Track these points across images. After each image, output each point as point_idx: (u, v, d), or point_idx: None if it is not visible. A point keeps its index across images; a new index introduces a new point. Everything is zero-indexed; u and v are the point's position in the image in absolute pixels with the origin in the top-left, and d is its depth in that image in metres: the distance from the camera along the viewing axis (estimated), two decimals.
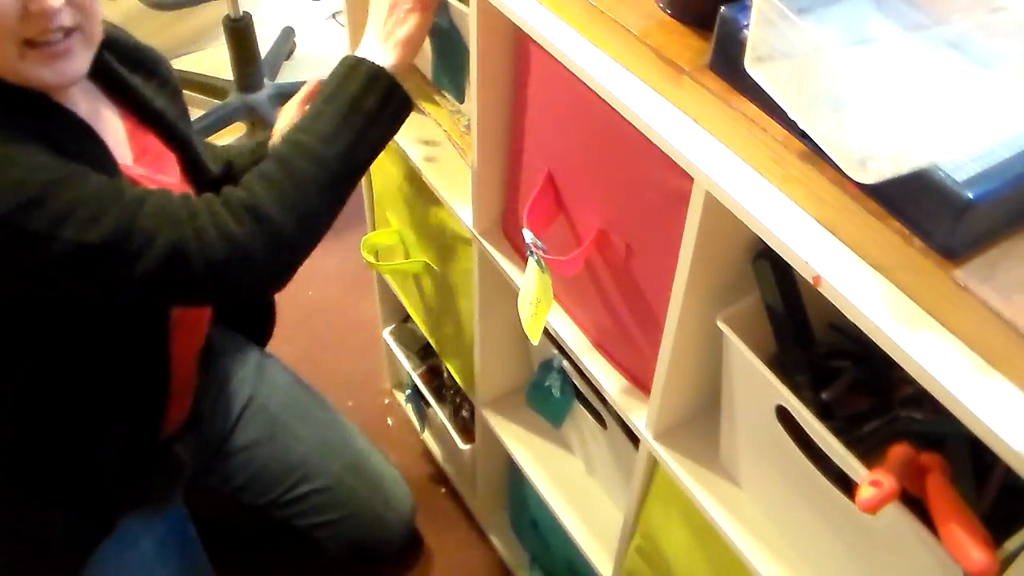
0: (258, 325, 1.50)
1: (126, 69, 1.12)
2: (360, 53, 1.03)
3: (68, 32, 0.93)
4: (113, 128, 1.09)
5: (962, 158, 0.60)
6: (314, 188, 0.98)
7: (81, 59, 0.97)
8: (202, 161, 1.19)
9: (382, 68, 1.01)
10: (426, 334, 1.61)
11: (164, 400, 1.19)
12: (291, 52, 2.89)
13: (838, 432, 0.74)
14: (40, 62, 0.93)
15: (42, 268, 0.92)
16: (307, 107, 1.03)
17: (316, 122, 0.99)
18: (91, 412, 1.14)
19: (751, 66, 0.68)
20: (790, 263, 0.68)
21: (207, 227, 0.94)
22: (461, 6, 1.04)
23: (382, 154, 1.42)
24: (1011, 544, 0.66)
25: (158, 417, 1.20)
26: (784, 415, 0.81)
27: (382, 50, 1.02)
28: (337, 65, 1.03)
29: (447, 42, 1.11)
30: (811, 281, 0.66)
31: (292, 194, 0.97)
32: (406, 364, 1.73)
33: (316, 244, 1.01)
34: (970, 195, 0.58)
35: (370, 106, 1.00)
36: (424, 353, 1.75)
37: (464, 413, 1.64)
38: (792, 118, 0.67)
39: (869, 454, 0.72)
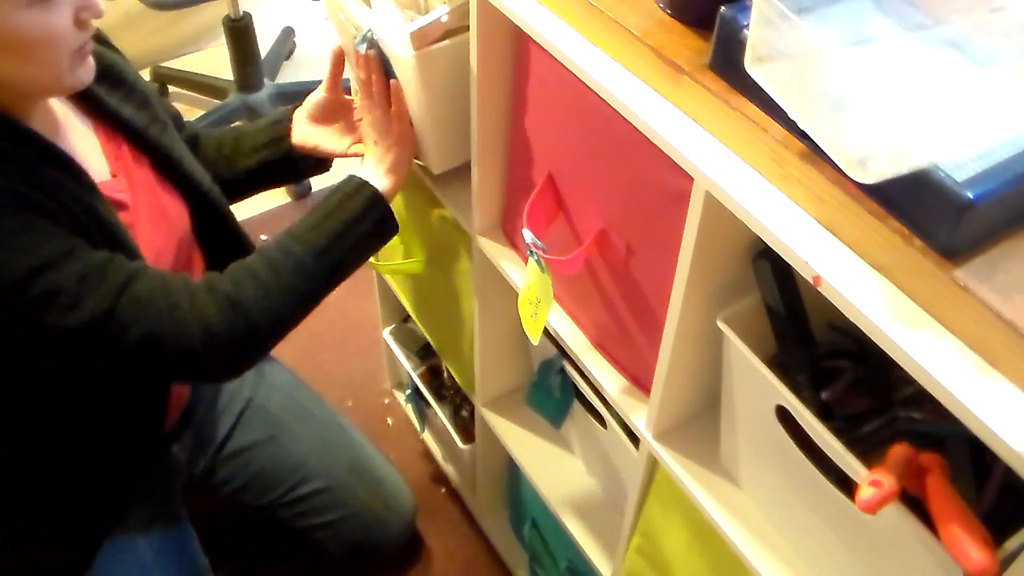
0: None
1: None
2: (362, 175, 1.13)
3: None
4: (86, 140, 1.09)
5: (962, 158, 0.60)
6: (296, 297, 1.06)
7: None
8: (183, 167, 1.18)
9: (380, 195, 1.12)
10: (426, 334, 1.61)
11: (165, 400, 1.19)
12: (291, 52, 2.89)
13: (838, 432, 0.74)
14: (79, 65, 0.96)
15: (20, 341, 0.96)
16: (307, 214, 1.11)
17: (312, 234, 1.08)
18: (91, 416, 1.14)
19: (751, 66, 0.68)
20: (790, 263, 0.68)
21: (187, 320, 0.99)
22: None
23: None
24: (1011, 544, 0.66)
25: (160, 416, 1.20)
26: (784, 415, 0.81)
27: (377, 175, 1.13)
28: (343, 181, 1.13)
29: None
30: (811, 281, 0.66)
31: (276, 299, 1.04)
32: (406, 364, 1.73)
33: (281, 339, 1.09)
34: (970, 195, 0.58)
35: (363, 230, 1.10)
36: (424, 353, 1.75)
37: (464, 413, 1.64)
38: (792, 118, 0.67)
39: (869, 454, 0.72)
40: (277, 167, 1.28)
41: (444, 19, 1.02)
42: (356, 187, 1.11)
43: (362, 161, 1.18)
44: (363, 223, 1.10)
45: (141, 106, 1.15)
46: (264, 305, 1.03)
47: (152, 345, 0.98)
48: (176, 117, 1.27)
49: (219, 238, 1.25)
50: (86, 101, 1.10)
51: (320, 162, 1.28)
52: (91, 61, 0.98)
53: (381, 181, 1.13)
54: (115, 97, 1.12)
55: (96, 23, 1.17)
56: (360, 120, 1.24)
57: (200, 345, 0.99)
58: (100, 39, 1.14)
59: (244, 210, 2.40)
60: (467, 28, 1.01)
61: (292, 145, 1.25)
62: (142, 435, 1.21)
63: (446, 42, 1.05)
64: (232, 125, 1.34)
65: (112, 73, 1.12)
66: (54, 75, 0.94)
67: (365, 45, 1.10)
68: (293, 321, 1.08)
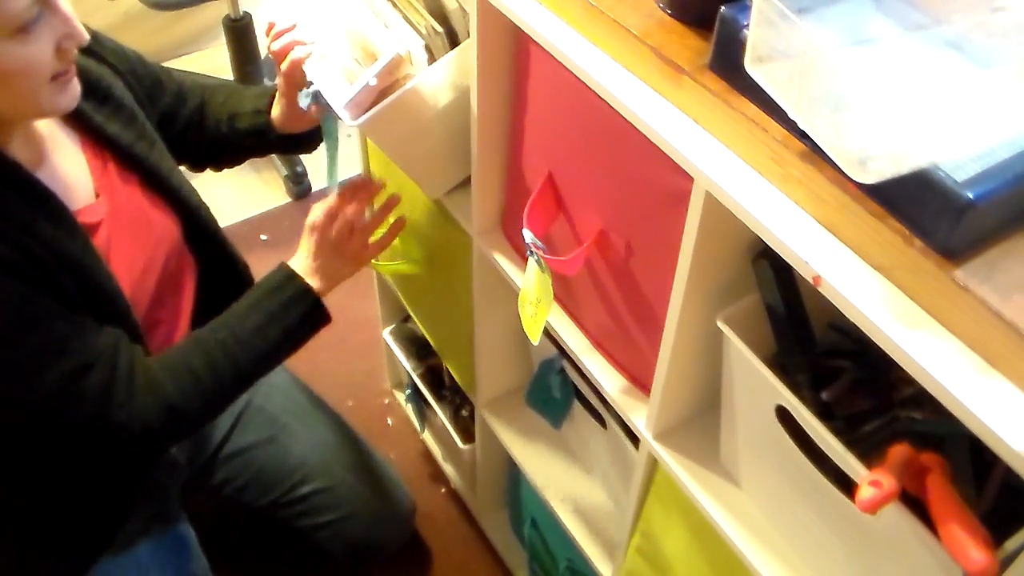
0: None
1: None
2: (305, 276, 1.15)
3: None
4: (71, 158, 1.08)
5: (962, 158, 0.60)
6: (232, 394, 1.14)
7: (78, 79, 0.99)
8: (170, 183, 1.18)
9: (320, 303, 1.15)
10: (426, 334, 1.61)
11: None
12: None
13: (838, 432, 0.74)
14: (59, 91, 0.95)
15: None
16: (251, 307, 1.13)
17: (255, 339, 1.11)
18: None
19: (751, 66, 0.68)
20: (790, 263, 0.68)
21: (127, 422, 1.03)
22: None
23: (381, 154, 1.43)
24: (1011, 544, 0.66)
25: None
26: (784, 415, 0.81)
27: (322, 278, 1.16)
28: (285, 282, 1.14)
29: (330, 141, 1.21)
30: (811, 281, 0.66)
31: (214, 401, 1.12)
32: (406, 364, 1.73)
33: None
34: (970, 195, 0.58)
35: (302, 335, 1.16)
36: (424, 353, 1.75)
37: (464, 413, 1.64)
38: (792, 118, 0.67)
39: (869, 454, 0.72)
40: (262, 136, 1.27)
41: (372, 83, 1.02)
42: (300, 293, 1.14)
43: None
44: (302, 329, 1.16)
45: (128, 123, 1.14)
46: (202, 408, 1.10)
47: (87, 432, 1.03)
48: (180, 90, 1.26)
49: (210, 251, 1.26)
50: (73, 117, 1.09)
51: (304, 143, 1.28)
52: (74, 87, 0.98)
53: (319, 284, 1.16)
54: (102, 114, 1.11)
55: (95, 24, 1.18)
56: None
57: (137, 440, 1.06)
58: (90, 51, 1.13)
59: (244, 210, 2.42)
60: (401, 81, 1.04)
61: (271, 120, 1.24)
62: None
63: (385, 102, 1.04)
64: (226, 85, 1.34)
65: (100, 89, 1.11)
66: (32, 103, 0.94)
67: (309, 100, 1.11)
68: (226, 405, 1.16)
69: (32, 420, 1.03)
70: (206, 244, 1.25)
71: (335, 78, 1.10)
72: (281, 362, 1.17)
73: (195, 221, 1.22)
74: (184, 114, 1.26)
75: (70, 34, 0.92)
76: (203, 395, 1.08)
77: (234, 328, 1.11)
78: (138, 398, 1.04)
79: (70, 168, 1.07)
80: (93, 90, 1.10)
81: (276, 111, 1.23)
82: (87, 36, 0.94)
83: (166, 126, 1.24)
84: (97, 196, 1.09)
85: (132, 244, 1.11)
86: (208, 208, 1.26)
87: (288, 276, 1.15)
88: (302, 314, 1.14)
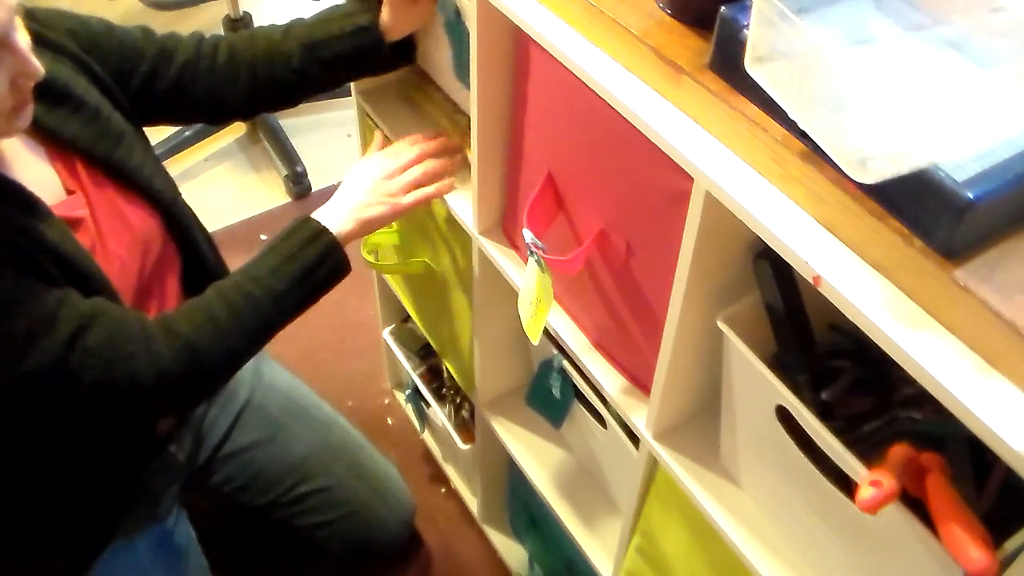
0: None
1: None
2: (325, 213, 1.14)
3: None
4: (33, 163, 1.05)
5: (962, 158, 0.60)
6: (252, 339, 1.10)
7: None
8: (142, 178, 1.13)
9: (338, 243, 1.13)
10: (426, 334, 1.61)
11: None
12: None
13: (838, 432, 0.74)
14: (14, 119, 0.94)
15: None
16: (266, 252, 1.12)
17: (272, 279, 1.10)
18: (85, 426, 1.14)
19: (751, 66, 0.68)
20: (790, 263, 0.68)
21: (141, 367, 1.01)
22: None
23: None
24: (1011, 544, 0.66)
25: (151, 425, 1.21)
26: (784, 415, 0.81)
27: (344, 219, 1.14)
28: (301, 224, 1.13)
29: (456, 36, 1.15)
30: (811, 281, 0.66)
31: (234, 344, 1.08)
32: (406, 364, 1.73)
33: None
34: (970, 195, 0.58)
35: (320, 277, 1.13)
36: (424, 353, 1.75)
37: (464, 413, 1.64)
38: (792, 118, 0.67)
39: (869, 454, 0.72)
40: (368, 56, 1.20)
41: None
42: (316, 232, 1.12)
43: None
44: (321, 270, 1.12)
45: (88, 122, 1.08)
46: (222, 350, 1.06)
47: (105, 392, 1.00)
48: (168, 50, 1.21)
49: (190, 241, 1.23)
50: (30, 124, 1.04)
51: (411, 49, 1.25)
52: (28, 111, 0.96)
53: (345, 225, 1.13)
54: (58, 115, 1.05)
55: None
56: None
57: (153, 389, 1.02)
58: (46, 43, 1.07)
59: (244, 210, 2.42)
60: None
61: (381, 31, 1.18)
62: (135, 441, 1.22)
63: None
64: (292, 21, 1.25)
65: (55, 90, 1.05)
66: None
67: None
68: (246, 360, 1.12)
69: (46, 397, 1.00)
70: (184, 235, 1.22)
71: None
72: (302, 310, 1.13)
73: (170, 214, 1.19)
74: (171, 72, 1.20)
75: (25, 71, 0.91)
76: (222, 334, 1.06)
77: (251, 271, 1.10)
78: (150, 342, 1.02)
79: (35, 172, 1.04)
80: (48, 91, 1.04)
81: (386, 15, 1.17)
82: (43, 71, 0.92)
83: (154, 86, 1.19)
84: (71, 193, 1.07)
85: (111, 240, 1.09)
86: (184, 202, 1.23)
87: (304, 219, 1.13)
88: (320, 253, 1.11)
